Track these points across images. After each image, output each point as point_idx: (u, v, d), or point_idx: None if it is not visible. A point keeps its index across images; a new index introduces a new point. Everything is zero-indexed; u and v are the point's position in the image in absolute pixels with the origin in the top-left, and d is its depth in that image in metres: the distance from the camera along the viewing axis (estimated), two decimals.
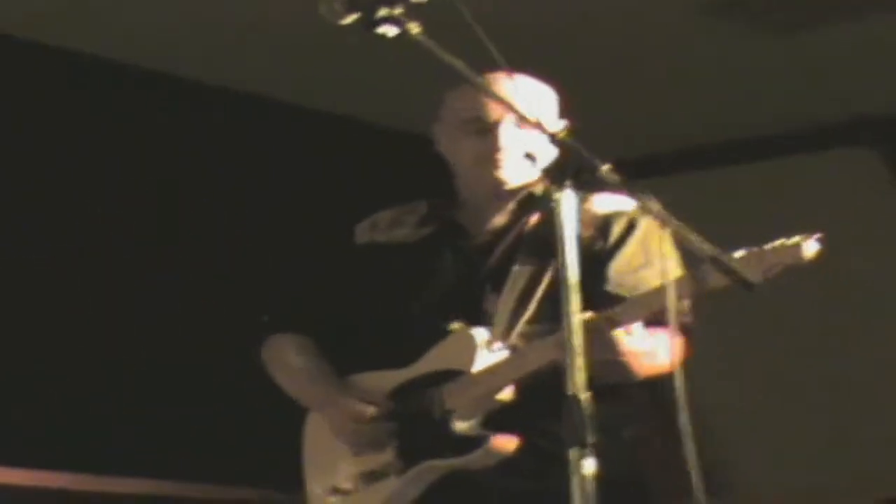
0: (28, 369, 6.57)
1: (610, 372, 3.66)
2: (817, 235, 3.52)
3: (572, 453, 3.04)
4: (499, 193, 4.11)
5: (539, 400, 3.80)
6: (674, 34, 7.04)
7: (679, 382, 3.19)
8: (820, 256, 3.52)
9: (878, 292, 7.86)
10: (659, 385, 3.78)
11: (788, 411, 7.97)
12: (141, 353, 6.87)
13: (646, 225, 3.98)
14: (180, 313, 6.91)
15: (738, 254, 3.40)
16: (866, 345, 7.83)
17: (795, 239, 3.52)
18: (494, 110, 4.01)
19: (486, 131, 4.05)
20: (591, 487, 3.02)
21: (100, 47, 7.00)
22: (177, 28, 6.79)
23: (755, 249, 3.50)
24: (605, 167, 3.17)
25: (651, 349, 3.81)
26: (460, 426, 3.94)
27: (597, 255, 3.84)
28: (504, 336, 3.98)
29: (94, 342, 6.80)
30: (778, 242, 3.53)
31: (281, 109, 7.58)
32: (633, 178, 3.23)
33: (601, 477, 3.04)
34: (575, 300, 3.13)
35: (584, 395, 3.07)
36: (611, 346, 3.70)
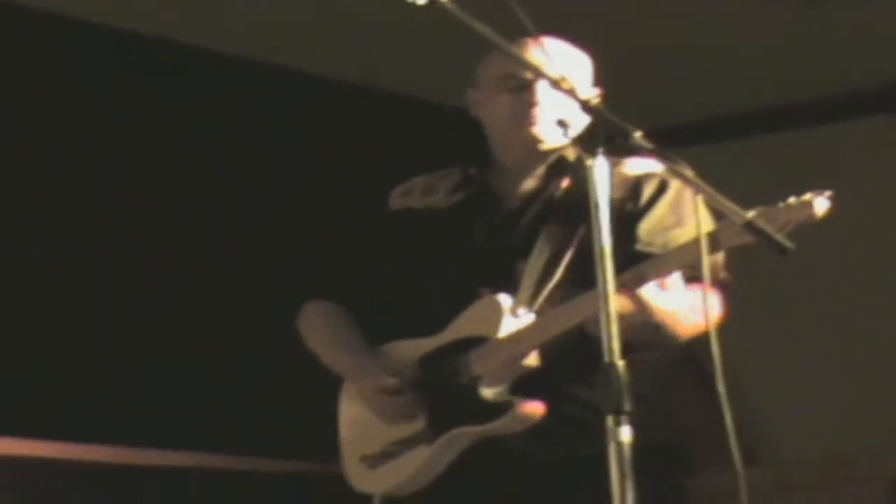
0: (75, 346, 6.55)
1: (644, 334, 3.59)
2: (828, 193, 3.46)
3: (609, 420, 3.00)
4: (533, 152, 4.05)
5: (566, 365, 3.82)
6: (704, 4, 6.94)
7: (715, 346, 3.16)
8: (831, 214, 3.45)
9: None
10: (692, 348, 3.71)
11: (816, 375, 7.89)
12: (185, 327, 6.83)
13: (677, 186, 3.93)
14: (222, 290, 6.86)
15: (751, 213, 3.29)
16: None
17: (806, 196, 3.46)
18: (527, 69, 3.94)
19: (522, 88, 4.00)
20: (627, 454, 2.97)
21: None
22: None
23: (767, 208, 3.43)
24: (638, 133, 3.13)
25: (689, 307, 3.71)
26: (488, 392, 3.90)
27: (628, 216, 3.78)
28: (530, 301, 3.94)
29: (140, 318, 6.80)
30: (790, 200, 3.46)
31: (310, 81, 7.54)
32: (664, 145, 3.15)
33: (636, 443, 3.00)
34: (609, 267, 3.08)
35: (620, 362, 3.02)
36: (641, 305, 3.61)
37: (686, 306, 3.70)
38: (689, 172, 3.19)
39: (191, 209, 7.01)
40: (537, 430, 3.85)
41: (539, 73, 3.67)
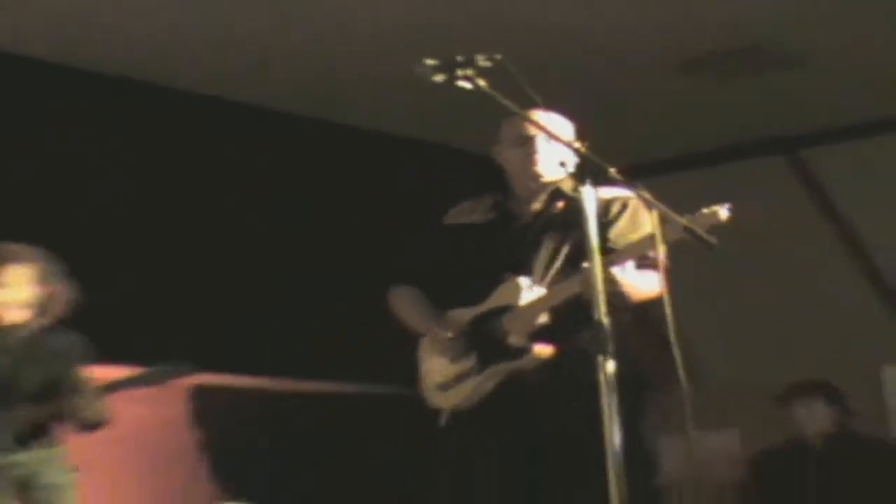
0: (259, 310, 6.55)
1: (614, 299, 3.57)
2: (727, 205, 3.54)
3: (599, 358, 3.04)
4: (538, 185, 4.14)
5: (566, 321, 3.90)
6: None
7: (667, 306, 3.19)
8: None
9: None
10: (650, 308, 3.77)
11: (746, 323, 7.92)
12: (314, 289, 6.85)
13: (634, 205, 4.03)
14: (344, 267, 6.88)
15: (683, 218, 3.35)
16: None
17: (714, 208, 3.54)
18: (531, 130, 4.06)
19: (525, 143, 4.11)
20: (612, 380, 3.03)
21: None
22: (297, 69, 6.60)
23: (693, 214, 3.50)
24: (612, 169, 3.17)
25: (639, 283, 3.85)
26: (515, 341, 3.99)
27: (601, 226, 3.70)
28: (540, 281, 4.04)
29: (284, 277, 6.78)
30: (704, 210, 3.54)
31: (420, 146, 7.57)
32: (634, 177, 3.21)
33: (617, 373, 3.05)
34: (596, 256, 3.13)
35: (605, 318, 3.07)
36: (611, 281, 3.66)
37: (635, 282, 3.84)
38: (645, 193, 3.22)
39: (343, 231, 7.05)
40: (548, 363, 3.97)
41: (542, 130, 3.73)
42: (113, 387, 4.66)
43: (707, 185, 7.41)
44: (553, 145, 4.02)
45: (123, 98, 6.33)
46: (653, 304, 3.66)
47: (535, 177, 4.11)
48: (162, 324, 5.89)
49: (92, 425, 4.67)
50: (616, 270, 3.75)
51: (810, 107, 7.45)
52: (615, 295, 3.65)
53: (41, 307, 4.72)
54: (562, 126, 4.06)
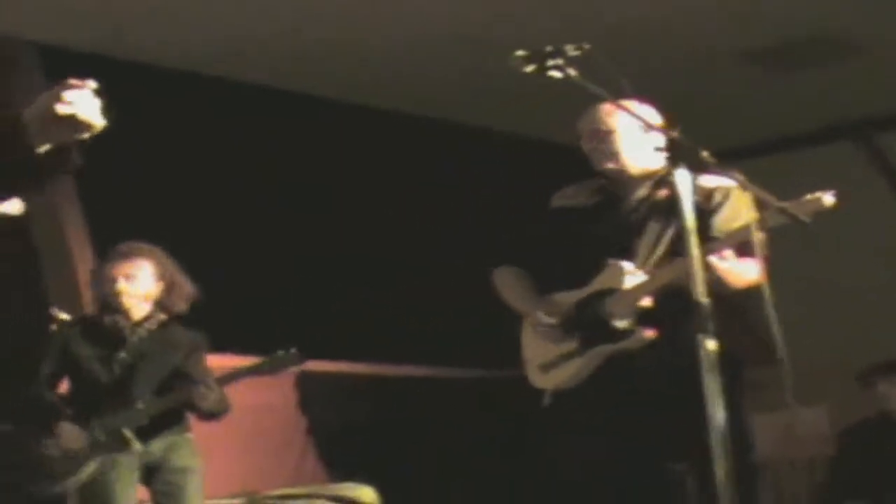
0: (366, 301, 6.59)
1: (715, 284, 3.59)
2: (831, 192, 3.55)
3: (700, 337, 3.05)
4: (631, 175, 4.11)
5: (666, 305, 3.88)
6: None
7: (766, 291, 3.23)
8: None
9: None
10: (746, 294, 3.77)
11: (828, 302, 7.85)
12: (417, 273, 6.87)
13: (735, 194, 3.99)
14: (447, 250, 6.88)
15: (784, 203, 3.37)
16: None
17: (817, 195, 3.54)
18: (605, 123, 4.06)
19: (597, 137, 4.10)
20: (713, 357, 3.05)
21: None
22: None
23: (795, 200, 3.49)
24: (706, 154, 3.17)
25: (739, 270, 3.79)
26: (618, 323, 4.00)
27: (704, 213, 3.80)
28: (643, 265, 4.03)
29: (387, 263, 6.82)
30: (808, 196, 3.55)
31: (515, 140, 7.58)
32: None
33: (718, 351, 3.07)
34: (694, 242, 3.13)
35: (705, 300, 3.07)
36: (710, 268, 3.65)
37: (735, 269, 3.78)
38: (741, 178, 3.27)
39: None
40: (650, 345, 3.96)
41: (638, 118, 3.68)
42: (232, 377, 4.75)
43: (776, 172, 7.35)
44: (644, 134, 4.00)
45: (226, 98, 6.47)
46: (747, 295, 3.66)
47: (618, 171, 4.10)
48: (270, 313, 6.00)
49: (213, 414, 4.75)
50: (714, 259, 3.73)
51: (877, 93, 7.39)
52: (713, 283, 3.64)
53: (162, 302, 4.81)
54: (650, 114, 4.01)
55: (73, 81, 2.22)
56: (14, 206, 4.22)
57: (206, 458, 4.86)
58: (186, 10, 5.89)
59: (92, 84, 2.24)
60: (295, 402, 6.32)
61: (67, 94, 2.21)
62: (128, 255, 4.77)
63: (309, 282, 6.41)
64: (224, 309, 5.48)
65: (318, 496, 4.98)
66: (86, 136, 2.24)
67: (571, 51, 3.18)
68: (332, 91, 6.86)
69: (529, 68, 3.20)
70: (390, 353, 6.62)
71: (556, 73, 3.18)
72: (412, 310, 6.69)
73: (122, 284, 4.72)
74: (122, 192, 5.76)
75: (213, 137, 6.23)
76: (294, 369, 5.05)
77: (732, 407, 3.13)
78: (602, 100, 3.43)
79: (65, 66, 5.96)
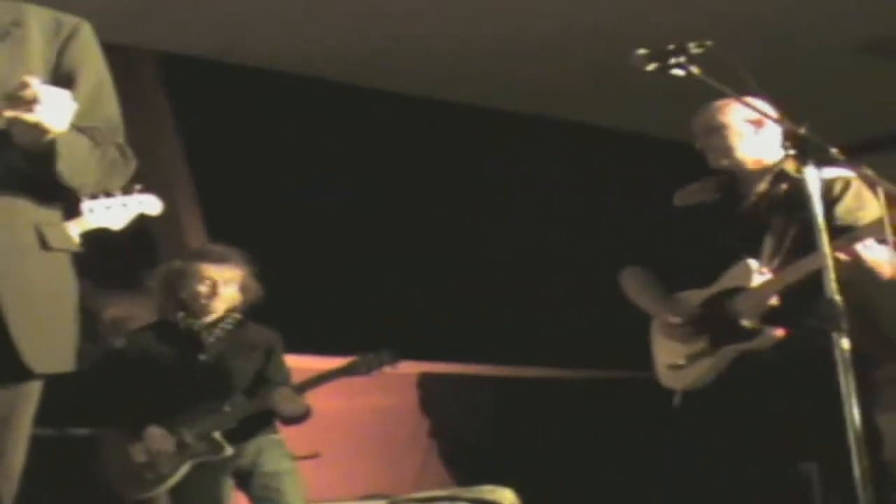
0: (462, 287, 6.58)
1: (862, 276, 3.61)
2: None
3: (834, 335, 3.04)
4: (750, 169, 4.07)
5: (795, 303, 3.84)
6: None
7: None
8: None
9: None
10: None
11: None
12: (540, 274, 6.90)
13: (856, 183, 3.93)
14: (571, 250, 6.89)
15: None
16: None
17: None
18: (716, 119, 4.03)
19: (711, 133, 4.06)
20: (846, 355, 3.03)
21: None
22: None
23: None
24: (833, 149, 3.17)
25: (885, 259, 3.72)
26: (746, 322, 3.98)
27: (827, 203, 3.63)
28: (769, 264, 3.99)
29: (507, 264, 6.84)
30: None
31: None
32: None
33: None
34: (825, 237, 3.12)
35: (838, 298, 3.07)
36: (856, 257, 3.66)
37: (883, 258, 3.71)
38: (867, 171, 3.26)
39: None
40: (779, 344, 3.93)
41: (765, 115, 3.68)
42: (324, 378, 4.70)
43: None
44: (765, 129, 3.99)
45: (344, 102, 6.56)
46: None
47: (737, 165, 4.07)
48: (383, 315, 5.99)
49: (294, 419, 4.71)
50: (861, 246, 3.70)
51: None
52: (861, 272, 3.65)
53: (241, 302, 4.77)
54: (768, 109, 3.95)
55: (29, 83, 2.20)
56: (153, 207, 4.33)
57: (328, 460, 4.87)
58: (300, 15, 6.00)
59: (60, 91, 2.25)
60: (418, 404, 6.34)
61: (33, 95, 2.19)
62: (225, 259, 4.72)
63: (432, 283, 6.44)
64: (334, 311, 5.55)
65: (460, 499, 4.93)
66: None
67: (694, 48, 3.19)
68: (446, 92, 6.90)
69: (651, 67, 3.21)
70: (515, 354, 6.63)
71: (679, 72, 3.18)
72: (538, 310, 6.71)
73: (217, 287, 4.68)
74: (237, 193, 5.86)
75: (308, 137, 6.30)
76: (412, 370, 5.06)
77: (861, 405, 3.12)
78: (721, 96, 3.41)
79: (181, 73, 6.21)
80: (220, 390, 4.66)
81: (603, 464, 6.60)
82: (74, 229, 3.91)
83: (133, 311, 5.49)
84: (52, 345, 2.37)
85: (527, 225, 6.99)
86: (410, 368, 4.97)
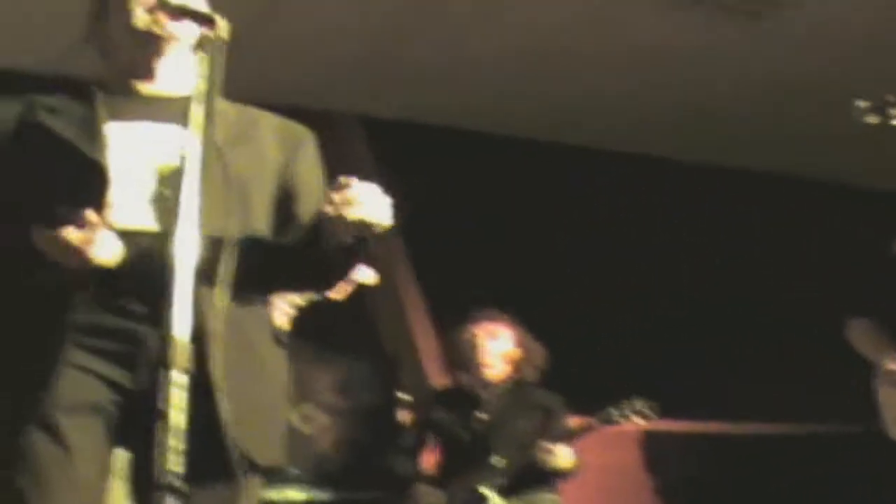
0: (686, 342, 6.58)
1: None
2: None
3: None
4: None
5: None
6: None
7: None
8: None
9: None
10: None
11: None
12: (763, 327, 6.84)
13: None
14: (796, 303, 6.78)
15: None
16: None
17: None
18: None
19: None
20: None
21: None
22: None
23: None
24: None
25: None
26: None
27: None
28: None
29: (731, 318, 6.79)
30: None
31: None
32: None
33: None
34: None
35: None
36: None
37: None
38: None
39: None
40: None
41: None
42: (582, 430, 4.80)
43: None
44: None
45: (578, 165, 6.66)
46: None
47: None
48: (614, 372, 6.02)
49: (564, 473, 4.80)
50: None
51: None
52: None
53: (518, 365, 4.95)
54: None
55: (349, 183, 2.30)
56: (368, 276, 4.47)
57: None
58: (511, 75, 6.09)
59: (375, 186, 2.33)
60: (644, 462, 6.30)
61: (354, 195, 2.28)
62: (489, 317, 4.96)
63: (653, 340, 6.45)
64: (568, 369, 5.60)
65: None
66: (377, 231, 2.33)
67: None
68: (669, 151, 6.96)
69: (872, 119, 3.18)
70: (739, 410, 6.53)
71: None
72: (760, 364, 6.64)
73: (483, 342, 4.91)
74: (454, 259, 5.98)
75: (538, 198, 6.40)
76: (642, 422, 5.05)
77: None
78: None
79: (386, 135, 6.36)
80: (495, 447, 4.80)
81: None
82: (298, 301, 4.06)
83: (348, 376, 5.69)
84: (271, 438, 2.47)
85: (751, 279, 6.94)
86: (634, 426, 4.97)
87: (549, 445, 4.72)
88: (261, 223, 2.45)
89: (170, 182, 2.33)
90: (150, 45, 2.48)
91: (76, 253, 2.21)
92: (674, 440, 6.32)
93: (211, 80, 2.23)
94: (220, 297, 2.28)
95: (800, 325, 5.93)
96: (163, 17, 2.41)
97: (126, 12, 2.46)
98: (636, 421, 4.83)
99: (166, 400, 2.03)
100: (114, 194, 2.32)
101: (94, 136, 2.39)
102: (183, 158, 2.19)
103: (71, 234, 2.20)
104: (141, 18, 2.45)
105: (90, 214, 2.20)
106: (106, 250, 2.23)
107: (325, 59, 5.90)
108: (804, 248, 7.02)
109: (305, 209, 2.51)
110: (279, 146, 2.56)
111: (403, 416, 5.47)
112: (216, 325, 2.26)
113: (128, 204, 2.33)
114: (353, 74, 6.02)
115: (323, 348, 5.57)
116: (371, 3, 5.59)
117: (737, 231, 6.95)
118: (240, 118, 2.52)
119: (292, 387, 2.57)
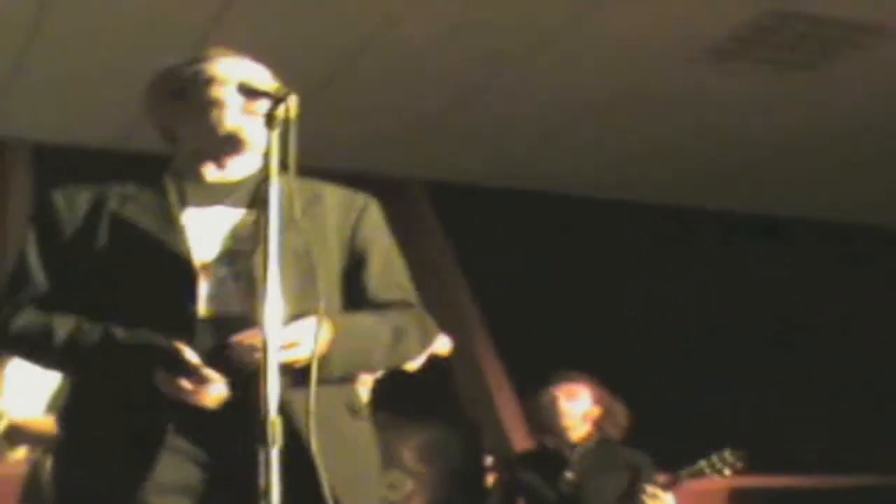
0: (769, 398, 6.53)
1: None
2: None
3: None
4: None
5: None
6: None
7: None
8: None
9: None
10: None
11: None
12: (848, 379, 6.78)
13: None
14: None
15: None
16: None
17: None
18: None
19: None
20: None
21: None
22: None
23: None
24: None
25: None
26: None
27: None
28: None
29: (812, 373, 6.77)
30: None
31: None
32: None
33: None
34: None
35: None
36: None
37: None
38: None
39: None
40: None
41: None
42: (669, 487, 4.75)
43: None
44: None
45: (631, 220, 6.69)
46: None
47: None
48: (695, 427, 6.02)
49: None
50: None
51: None
52: None
53: (601, 424, 4.95)
54: None
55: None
56: (444, 345, 4.50)
57: None
58: (574, 136, 6.14)
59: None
60: None
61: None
62: (567, 378, 4.98)
63: (734, 395, 6.42)
64: (653, 425, 5.59)
65: None
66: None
67: None
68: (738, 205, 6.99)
69: None
70: (824, 463, 6.46)
71: None
72: (854, 415, 6.59)
73: (563, 403, 4.91)
74: (530, 321, 5.99)
75: (609, 256, 6.41)
76: (731, 474, 5.01)
77: None
78: None
79: (453, 201, 6.40)
80: None
81: None
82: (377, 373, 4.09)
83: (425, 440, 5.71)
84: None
85: (839, 330, 6.91)
86: (724, 479, 4.91)
87: (653, 489, 4.71)
88: (329, 297, 2.47)
89: (249, 265, 2.37)
90: (232, 146, 2.54)
91: (189, 396, 2.29)
92: (763, 495, 6.24)
93: (285, 159, 2.26)
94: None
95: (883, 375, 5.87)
96: (250, 120, 2.46)
97: (218, 109, 2.51)
98: (727, 473, 4.78)
99: (267, 478, 2.05)
100: (199, 285, 2.37)
101: (174, 225, 2.44)
102: (260, 240, 2.22)
103: (186, 383, 2.28)
104: (231, 121, 2.50)
105: (208, 372, 2.28)
106: (215, 399, 2.30)
107: (385, 126, 5.97)
108: (872, 295, 7.00)
109: (374, 270, 2.56)
110: (342, 216, 2.60)
111: (489, 479, 5.46)
112: (301, 401, 2.28)
113: (212, 291, 2.38)
114: (416, 137, 6.07)
115: (404, 416, 5.59)
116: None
117: (820, 284, 6.97)
118: (303, 192, 2.56)
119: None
